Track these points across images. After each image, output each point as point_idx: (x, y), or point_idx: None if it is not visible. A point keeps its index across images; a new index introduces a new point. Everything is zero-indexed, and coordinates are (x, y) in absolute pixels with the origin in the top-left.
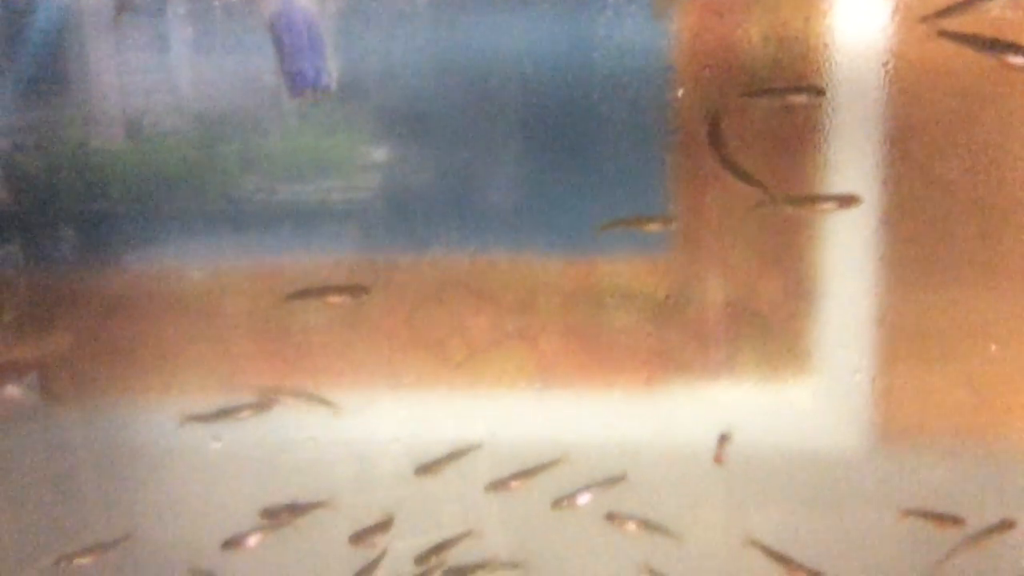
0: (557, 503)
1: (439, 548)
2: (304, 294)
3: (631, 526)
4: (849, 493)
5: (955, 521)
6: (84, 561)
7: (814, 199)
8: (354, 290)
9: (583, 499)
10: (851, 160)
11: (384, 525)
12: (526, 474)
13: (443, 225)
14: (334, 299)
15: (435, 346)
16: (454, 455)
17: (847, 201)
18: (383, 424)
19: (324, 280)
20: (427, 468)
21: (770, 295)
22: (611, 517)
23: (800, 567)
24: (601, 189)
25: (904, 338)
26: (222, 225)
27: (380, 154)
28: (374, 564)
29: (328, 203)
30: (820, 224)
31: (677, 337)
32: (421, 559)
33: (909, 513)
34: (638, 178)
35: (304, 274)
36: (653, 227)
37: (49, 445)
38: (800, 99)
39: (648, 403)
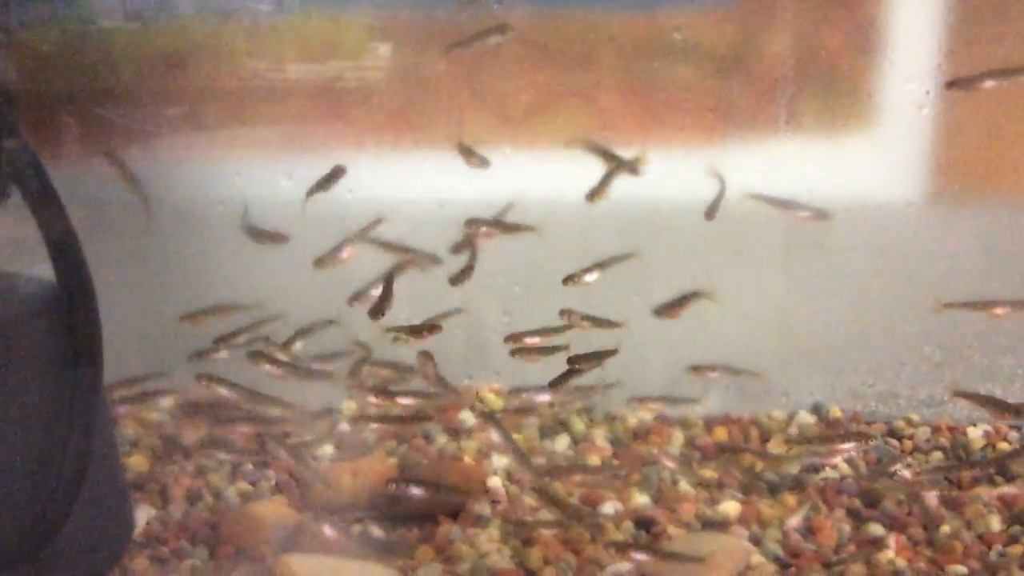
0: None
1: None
2: None
3: None
4: (905, 243)
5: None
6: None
7: None
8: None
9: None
10: None
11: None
12: None
13: None
14: None
15: (494, 103)
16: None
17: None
18: (442, 181)
19: None
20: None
21: (836, 39)
22: None
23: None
24: None
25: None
26: None
27: None
28: None
29: None
30: None
31: (739, 91)
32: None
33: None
34: None
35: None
36: None
37: None
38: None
39: (707, 158)
